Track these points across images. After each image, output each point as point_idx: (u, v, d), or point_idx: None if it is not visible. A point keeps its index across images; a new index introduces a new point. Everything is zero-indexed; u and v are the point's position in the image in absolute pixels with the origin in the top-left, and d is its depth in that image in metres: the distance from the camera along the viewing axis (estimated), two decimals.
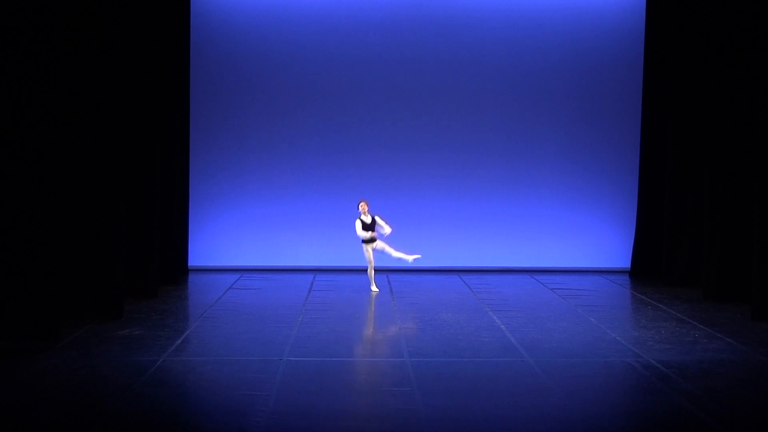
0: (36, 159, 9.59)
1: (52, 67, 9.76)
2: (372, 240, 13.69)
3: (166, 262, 14.00)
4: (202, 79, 15.76)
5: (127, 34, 11.78)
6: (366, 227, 13.66)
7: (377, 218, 13.75)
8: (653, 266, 15.52)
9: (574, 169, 16.22)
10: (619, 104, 16.18)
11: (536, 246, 16.22)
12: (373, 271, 13.93)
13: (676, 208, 14.82)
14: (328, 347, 10.02)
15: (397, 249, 13.87)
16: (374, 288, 13.86)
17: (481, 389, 8.47)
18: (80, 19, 10.89)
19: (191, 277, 15.19)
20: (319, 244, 16.09)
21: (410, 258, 13.89)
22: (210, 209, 15.98)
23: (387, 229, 13.69)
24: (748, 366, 9.43)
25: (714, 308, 12.58)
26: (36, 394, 8.10)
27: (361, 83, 16.05)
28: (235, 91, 15.91)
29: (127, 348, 9.79)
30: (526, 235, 16.24)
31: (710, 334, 10.80)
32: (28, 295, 9.60)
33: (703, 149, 14.08)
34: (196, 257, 15.86)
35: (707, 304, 12.97)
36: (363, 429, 7.35)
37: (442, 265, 16.11)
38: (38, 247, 9.59)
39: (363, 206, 13.68)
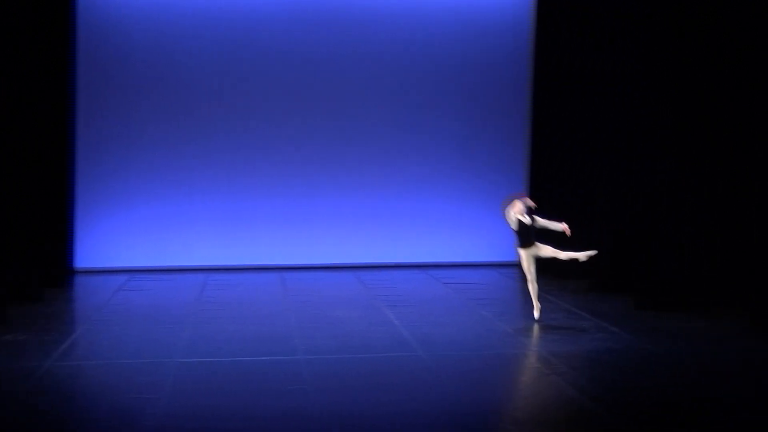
0: None
1: None
2: (530, 244, 11.12)
3: (50, 264, 13.59)
4: (92, 79, 15.27)
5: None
6: (525, 229, 11.07)
7: (540, 220, 11.10)
8: (544, 258, 15.83)
9: (466, 164, 16.42)
10: (508, 99, 16.43)
11: (429, 241, 16.37)
12: (535, 287, 11.33)
13: (564, 199, 15.18)
14: (221, 347, 9.90)
15: (554, 251, 11.18)
16: (536, 312, 11.32)
17: (375, 385, 8.50)
18: None
19: (79, 279, 14.76)
20: (212, 244, 15.86)
21: (582, 255, 11.14)
22: (99, 209, 15.54)
23: (560, 226, 11.10)
24: (633, 354, 9.74)
25: (600, 299, 12.92)
26: None
27: (249, 81, 15.85)
28: (125, 90, 15.45)
29: (10, 354, 9.44)
30: (419, 230, 16.37)
31: (597, 324, 11.10)
32: None
33: (587, 143, 14.49)
34: (85, 258, 15.41)
35: (594, 295, 13.33)
36: (257, 429, 7.29)
37: (336, 261, 16.10)
38: None
39: (524, 202, 11.20)
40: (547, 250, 11.14)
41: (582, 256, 11.07)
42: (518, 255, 11.31)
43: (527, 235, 11.07)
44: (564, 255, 11.10)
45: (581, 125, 14.62)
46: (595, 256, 11.02)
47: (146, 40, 15.50)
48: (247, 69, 15.85)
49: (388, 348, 9.89)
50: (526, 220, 11.05)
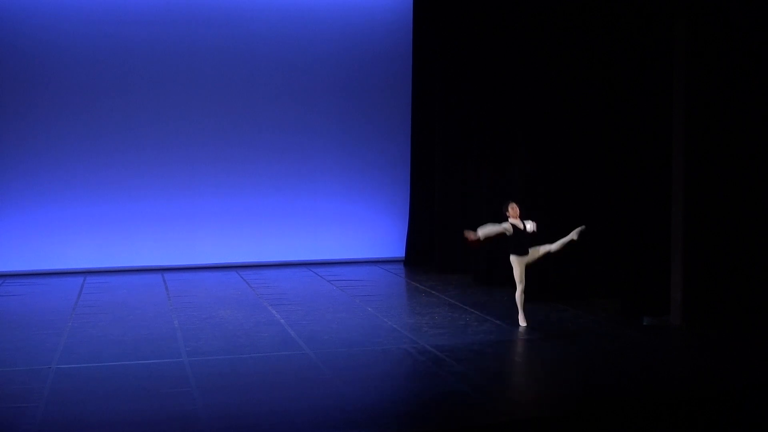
0: None
1: None
2: (525, 252, 10.48)
3: None
4: None
5: None
6: (520, 235, 10.45)
7: (529, 225, 10.50)
8: (427, 254, 16.03)
9: (350, 162, 16.47)
10: (390, 97, 16.58)
11: (313, 239, 16.35)
12: (522, 298, 10.66)
13: (446, 195, 15.36)
14: (101, 352, 9.60)
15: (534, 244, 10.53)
16: (522, 322, 10.70)
17: (262, 384, 8.41)
18: None
19: None
20: (90, 245, 15.41)
21: (574, 235, 10.44)
22: None
23: (530, 226, 10.50)
24: (515, 345, 9.95)
25: (483, 293, 13.14)
26: None
27: (130, 79, 15.50)
28: None
29: None
30: (303, 228, 16.32)
31: (480, 318, 11.28)
32: None
33: (467, 140, 14.70)
34: None
35: (477, 288, 13.54)
36: None
37: (219, 261, 15.88)
38: None
39: (513, 208, 10.50)
40: (540, 250, 10.50)
41: (574, 235, 10.43)
42: (512, 263, 10.53)
43: (520, 242, 10.51)
44: (556, 246, 10.49)
45: (465, 121, 14.81)
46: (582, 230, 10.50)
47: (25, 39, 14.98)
48: (128, 70, 15.48)
49: (275, 347, 9.80)
50: (520, 225, 10.50)
